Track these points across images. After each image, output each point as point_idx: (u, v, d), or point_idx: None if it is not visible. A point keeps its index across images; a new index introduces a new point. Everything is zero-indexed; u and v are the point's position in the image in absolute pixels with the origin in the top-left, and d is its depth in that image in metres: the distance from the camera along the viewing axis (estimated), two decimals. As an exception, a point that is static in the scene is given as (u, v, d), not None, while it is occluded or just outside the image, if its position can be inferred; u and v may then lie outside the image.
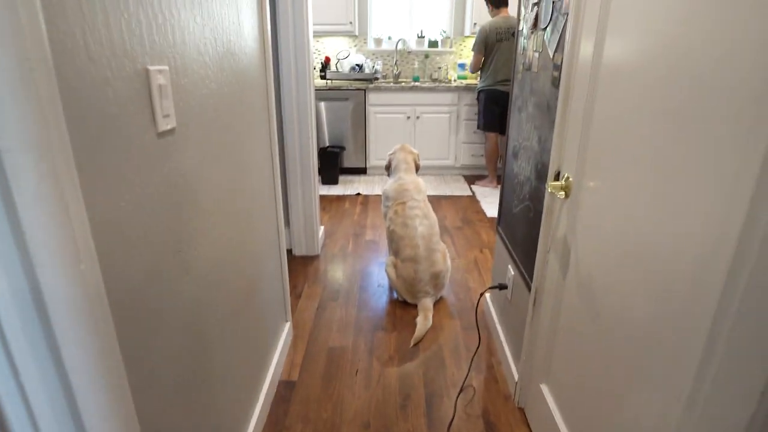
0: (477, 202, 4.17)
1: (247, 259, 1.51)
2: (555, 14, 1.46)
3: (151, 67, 0.88)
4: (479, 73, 4.41)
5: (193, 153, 1.08)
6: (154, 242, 0.91)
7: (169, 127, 0.95)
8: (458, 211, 3.94)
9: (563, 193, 1.34)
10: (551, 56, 1.50)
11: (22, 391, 0.60)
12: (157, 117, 0.91)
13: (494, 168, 4.51)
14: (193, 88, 1.08)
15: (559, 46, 1.42)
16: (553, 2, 1.48)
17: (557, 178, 1.42)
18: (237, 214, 1.41)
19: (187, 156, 1.05)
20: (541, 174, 1.61)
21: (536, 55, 1.66)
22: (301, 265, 2.96)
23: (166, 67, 0.94)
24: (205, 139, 1.16)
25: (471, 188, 4.54)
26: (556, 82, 1.45)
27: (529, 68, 1.76)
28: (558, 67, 1.43)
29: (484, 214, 3.88)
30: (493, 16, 4.16)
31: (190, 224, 1.07)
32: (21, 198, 0.57)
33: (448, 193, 4.42)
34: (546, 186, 1.41)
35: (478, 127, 4.50)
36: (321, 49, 5.21)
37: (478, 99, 4.41)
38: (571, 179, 1.32)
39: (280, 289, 2.03)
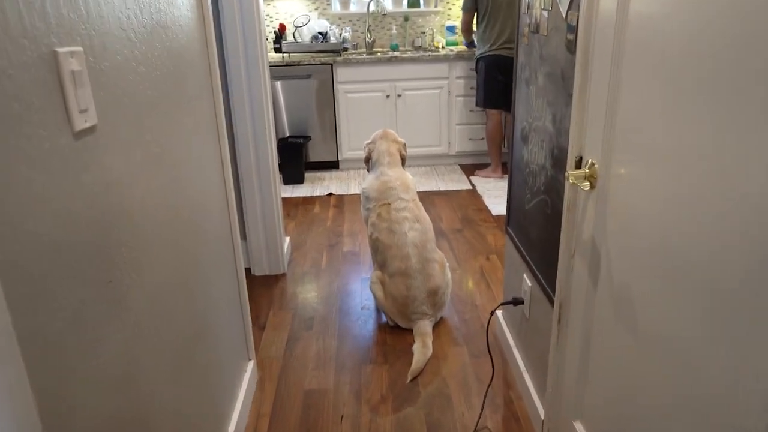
0: (479, 196, 4.20)
1: (195, 285, 1.49)
2: (566, -38, 1.48)
3: (60, 50, 0.86)
4: (474, 38, 4.44)
5: (121, 155, 1.06)
6: (78, 274, 0.88)
7: (88, 124, 0.93)
8: (456, 210, 3.95)
9: (587, 183, 1.35)
10: (564, 15, 1.51)
11: None
12: (72, 113, 0.88)
13: (498, 153, 4.55)
14: (116, 73, 1.05)
15: (573, 1, 1.43)
16: (563, -53, 1.49)
17: (579, 165, 1.43)
18: (181, 228, 1.39)
19: (114, 160, 1.03)
20: (558, 160, 1.62)
21: (545, 14, 1.67)
22: (263, 288, 2.94)
23: (79, 49, 0.91)
24: (136, 137, 1.13)
25: (470, 180, 4.57)
26: (571, 47, 1.46)
27: (536, 30, 1.77)
28: (573, 29, 1.44)
29: (489, 211, 3.90)
30: None
31: (123, 245, 1.05)
32: None
33: (443, 187, 4.44)
34: (566, 175, 1.42)
35: (477, 104, 4.53)
36: (273, 14, 5.19)
37: (476, 69, 4.43)
38: (596, 166, 1.33)
39: (239, 320, 2.01)
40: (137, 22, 1.17)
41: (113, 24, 1.05)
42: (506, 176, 4.48)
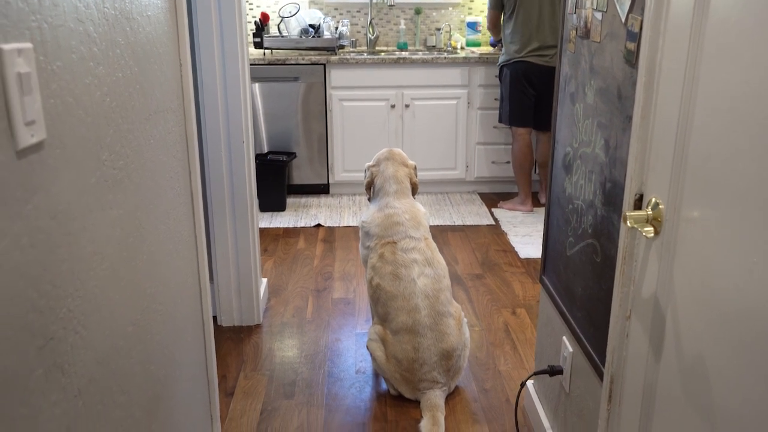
0: (503, 234, 4.21)
1: (153, 340, 1.47)
2: (626, -45, 1.50)
3: (5, 46, 0.86)
4: (501, 37, 4.49)
5: (71, 179, 1.05)
6: (8, 332, 0.86)
7: (35, 140, 0.93)
8: (476, 250, 3.95)
9: (650, 228, 1.34)
10: (623, 18, 1.52)
11: None
12: (17, 125, 0.88)
13: (528, 181, 4.57)
14: (70, 76, 1.05)
15: (636, 1, 1.45)
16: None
17: (639, 204, 1.42)
18: (140, 269, 1.38)
19: (64, 185, 1.02)
20: (611, 197, 1.62)
21: (598, 15, 1.69)
22: (232, 342, 2.92)
23: (29, 45, 0.91)
24: (90, 157, 1.13)
25: (493, 213, 4.58)
26: (631, 58, 1.47)
27: (585, 35, 1.79)
28: (635, 36, 1.45)
29: (515, 253, 3.90)
30: None
31: (69, 294, 1.03)
32: None
33: (459, 221, 4.44)
34: (622, 217, 1.42)
35: (501, 120, 4.56)
36: (254, 0, 5.25)
37: (500, 78, 4.48)
38: (661, 206, 1.33)
39: (203, 384, 1.98)
40: (97, 12, 1.17)
41: (69, 14, 1.05)
42: (536, 210, 4.50)
